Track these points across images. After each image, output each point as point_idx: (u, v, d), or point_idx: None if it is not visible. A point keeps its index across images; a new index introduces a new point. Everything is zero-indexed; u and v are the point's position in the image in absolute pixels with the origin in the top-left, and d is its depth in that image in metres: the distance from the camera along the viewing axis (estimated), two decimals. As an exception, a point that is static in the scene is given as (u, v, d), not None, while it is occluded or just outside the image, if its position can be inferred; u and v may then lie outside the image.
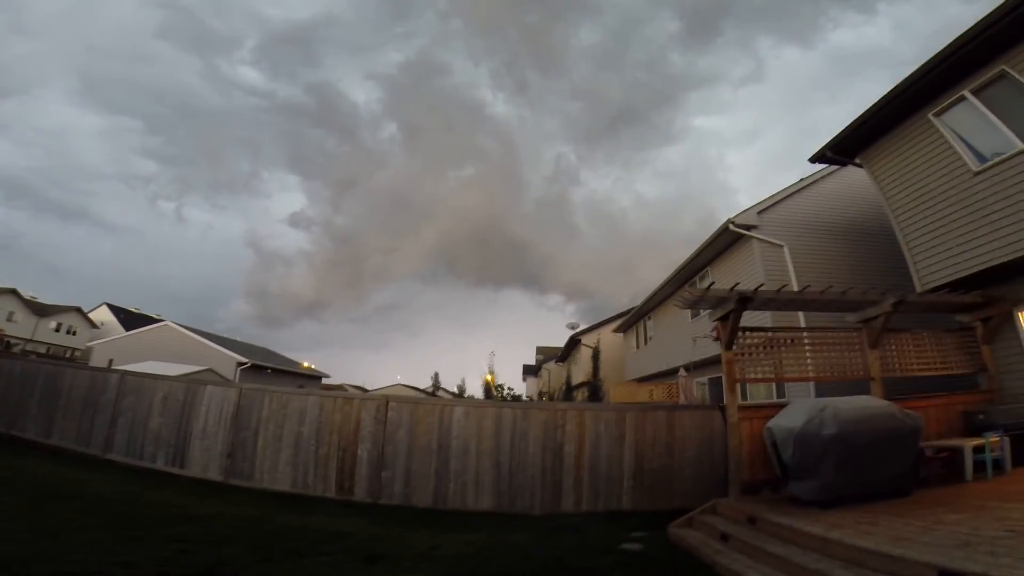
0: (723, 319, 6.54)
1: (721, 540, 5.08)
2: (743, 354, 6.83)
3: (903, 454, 5.22)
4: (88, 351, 25.45)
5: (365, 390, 48.79)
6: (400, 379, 56.37)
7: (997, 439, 6.00)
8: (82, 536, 4.72)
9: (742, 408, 6.55)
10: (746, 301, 6.32)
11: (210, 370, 19.85)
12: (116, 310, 45.72)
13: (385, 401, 8.36)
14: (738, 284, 6.39)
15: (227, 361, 22.33)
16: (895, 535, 3.72)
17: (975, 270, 7.08)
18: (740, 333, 6.76)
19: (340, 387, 38.49)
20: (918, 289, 7.95)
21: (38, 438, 9.55)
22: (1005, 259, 6.64)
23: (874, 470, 5.11)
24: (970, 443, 5.91)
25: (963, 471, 5.78)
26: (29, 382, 10.11)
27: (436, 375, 37.88)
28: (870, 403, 5.48)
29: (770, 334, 7.10)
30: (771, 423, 5.80)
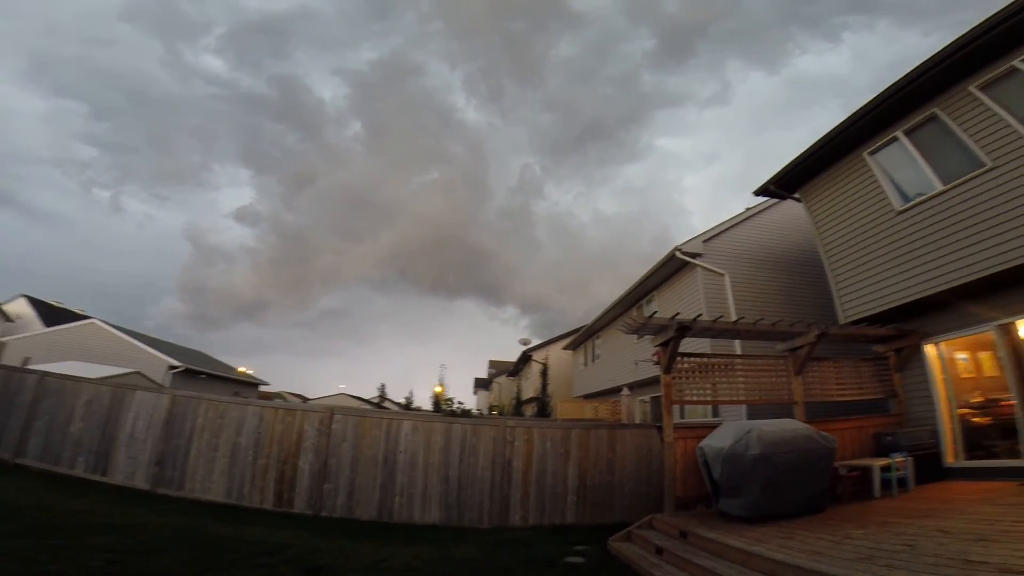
0: (663, 345, 6.88)
1: (656, 554, 5.30)
2: (681, 377, 7.18)
3: (819, 473, 5.64)
4: (0, 347, 23.32)
5: (305, 398, 46.93)
6: (343, 388, 54.53)
7: (902, 459, 6.57)
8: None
9: (677, 428, 6.87)
10: (685, 330, 6.67)
11: (138, 373, 18.61)
12: (36, 303, 41.95)
13: (330, 413, 8.23)
14: (678, 314, 6.74)
15: (158, 364, 20.98)
16: (809, 549, 4.03)
17: (891, 306, 7.77)
18: (679, 358, 7.11)
19: (278, 395, 36.95)
20: (840, 321, 8.62)
21: (-64, 439, 8.75)
22: (918, 297, 7.33)
23: (794, 488, 5.49)
24: (878, 463, 6.45)
25: (872, 489, 6.29)
26: (-71, 380, 9.25)
27: (383, 386, 37.07)
28: (791, 426, 5.90)
29: (706, 359, 7.50)
30: (703, 443, 6.13)
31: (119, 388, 8.92)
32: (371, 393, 43.14)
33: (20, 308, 41.24)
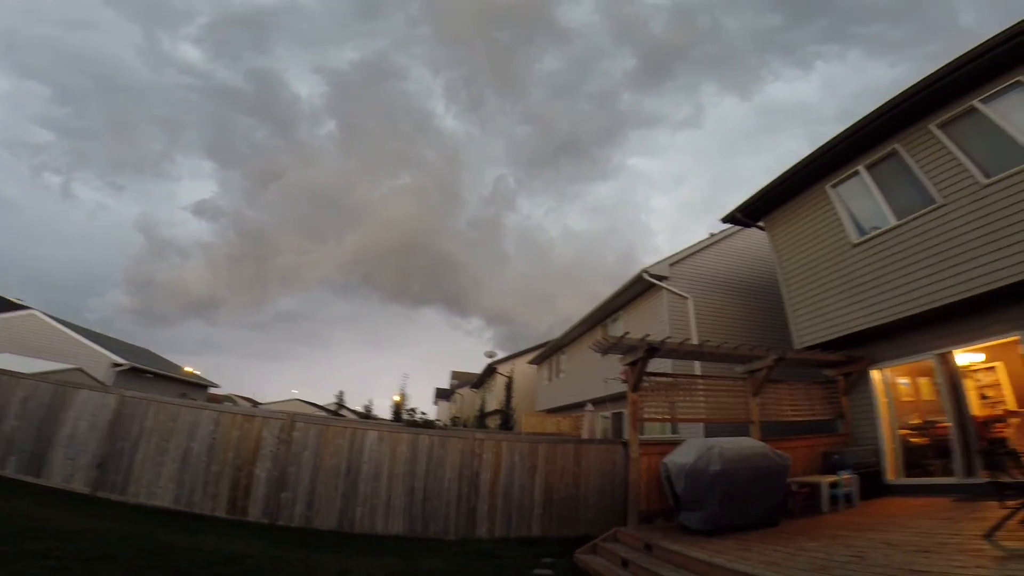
0: (632, 364, 7.13)
1: (622, 566, 5.44)
2: (646, 396, 7.44)
3: (774, 489, 5.96)
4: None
5: (256, 403, 45.14)
6: (297, 393, 52.70)
7: (848, 476, 7.00)
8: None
9: (642, 444, 7.11)
10: (654, 350, 6.95)
11: (79, 370, 17.56)
12: (-37, 292, 39.10)
13: (291, 420, 8.03)
14: (648, 336, 6.99)
15: (100, 361, 19.80)
16: (767, 560, 4.25)
17: (842, 334, 8.28)
18: (644, 377, 7.36)
19: (228, 398, 35.42)
20: (795, 345, 9.11)
21: None
22: (867, 327, 7.84)
23: (751, 503, 5.76)
24: (827, 480, 6.84)
25: (821, 504, 6.66)
26: None
27: (340, 393, 36.11)
28: (748, 444, 6.23)
29: (671, 379, 7.80)
30: (667, 459, 6.36)
31: (61, 386, 8.42)
32: (327, 399, 41.93)
33: (-53, 296, 38.32)
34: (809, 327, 8.93)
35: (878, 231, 7.83)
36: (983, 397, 8.28)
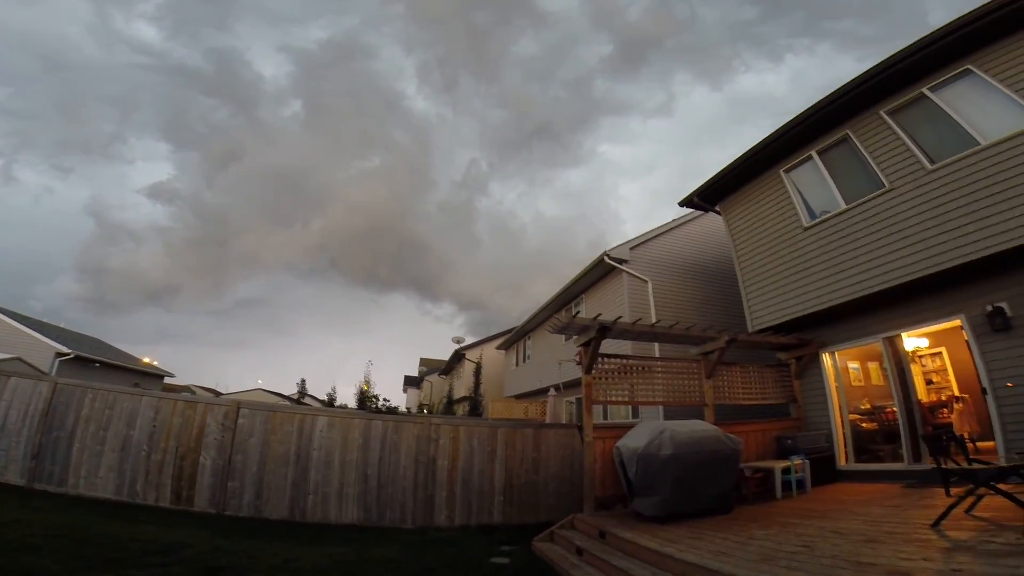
0: (585, 345, 7.01)
1: (577, 554, 5.36)
2: (602, 378, 7.35)
3: (726, 474, 5.94)
4: None
5: (218, 393, 43.81)
6: (261, 383, 51.48)
7: (800, 462, 7.08)
8: None
9: (597, 428, 7.03)
10: (605, 330, 6.83)
11: (18, 359, 16.57)
12: None
13: (236, 407, 7.79)
14: (600, 315, 6.89)
15: (44, 350, 18.72)
16: (717, 549, 4.20)
17: (794, 316, 8.39)
18: (600, 359, 7.27)
19: (187, 388, 34.24)
20: (749, 328, 9.20)
21: None
22: (817, 309, 7.95)
23: (703, 488, 5.75)
24: (779, 465, 6.90)
25: (775, 490, 6.73)
26: None
27: (303, 381, 35.38)
28: (700, 427, 6.19)
29: (625, 361, 7.72)
30: (619, 443, 6.29)
31: (-11, 375, 7.90)
32: (292, 389, 41.05)
33: None
34: (762, 310, 9.02)
35: (828, 215, 7.93)
36: (928, 383, 8.57)
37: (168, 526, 6.11)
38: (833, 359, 8.41)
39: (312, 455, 7.50)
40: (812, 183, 8.40)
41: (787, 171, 8.78)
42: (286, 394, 40.36)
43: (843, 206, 7.67)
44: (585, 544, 5.38)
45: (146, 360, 28.42)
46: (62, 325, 25.02)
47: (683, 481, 5.57)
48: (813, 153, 8.27)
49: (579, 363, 7.46)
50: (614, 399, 7.57)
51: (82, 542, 4.89)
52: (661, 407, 9.77)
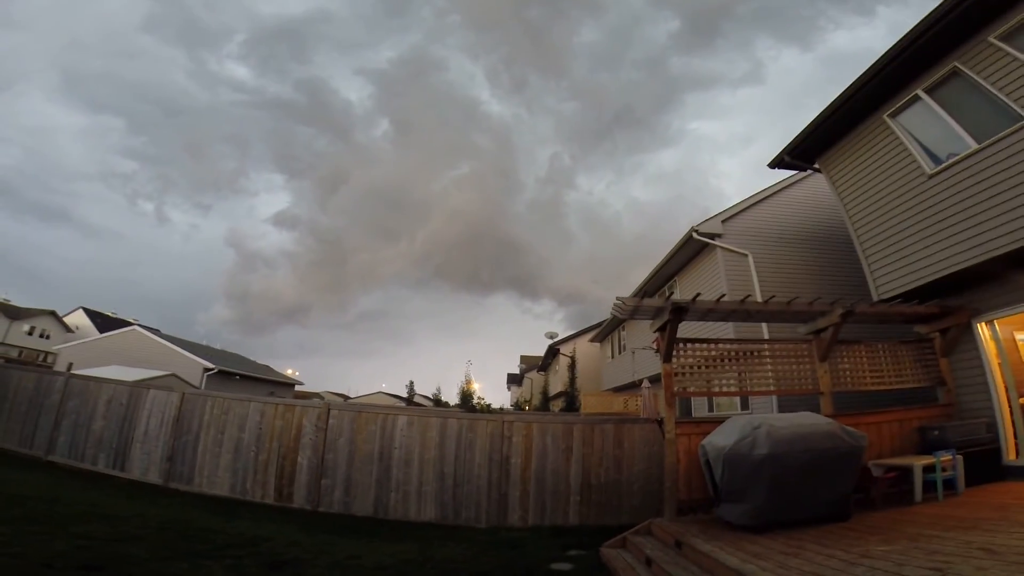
0: (661, 329, 6.19)
1: (646, 564, 4.72)
2: (688, 368, 6.50)
3: (843, 476, 4.85)
4: (54, 356, 24.72)
5: (347, 398, 48.08)
6: (384, 387, 55.73)
7: (949, 458, 5.64)
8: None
9: (680, 423, 6.17)
10: (682, 311, 5.97)
11: (174, 375, 19.24)
12: (92, 314, 44.79)
13: (326, 408, 8.22)
14: (672, 294, 6.05)
15: (193, 367, 21.70)
16: (812, 571, 3.35)
17: (931, 279, 6.80)
18: (682, 345, 6.42)
19: (316, 395, 37.80)
20: (874, 299, 7.65)
21: (-19, 439, 9.33)
22: (962, 266, 6.35)
23: (811, 492, 4.74)
24: (920, 462, 5.55)
25: (912, 491, 5.42)
26: (-24, 384, 9.83)
27: (411, 383, 37.64)
28: (808, 420, 5.11)
29: (711, 345, 6.74)
30: (705, 440, 5.42)
31: (135, 388, 9.19)
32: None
33: (78, 319, 44.02)
34: (888, 275, 7.45)
35: (957, 157, 6.41)
36: None
37: (263, 521, 6.53)
38: (992, 329, 6.65)
39: (393, 454, 7.64)
40: (928, 125, 7.05)
41: (892, 115, 7.46)
42: (403, 396, 43.03)
43: (974, 146, 6.22)
44: (657, 554, 4.68)
45: (290, 372, 31.87)
46: (217, 347, 28.94)
47: (782, 485, 4.63)
48: (919, 92, 6.97)
49: (656, 351, 6.68)
50: (699, 390, 6.69)
51: (180, 535, 5.35)
52: (774, 398, 8.52)
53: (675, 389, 6.25)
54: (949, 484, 5.56)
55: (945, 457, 5.62)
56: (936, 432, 6.26)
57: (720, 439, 5.19)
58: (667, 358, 6.20)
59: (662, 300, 6.06)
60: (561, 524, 7.10)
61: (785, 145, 8.76)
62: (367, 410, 8.26)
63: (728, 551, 3.99)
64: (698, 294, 6.10)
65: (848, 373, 6.93)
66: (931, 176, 6.75)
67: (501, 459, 7.43)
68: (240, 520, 6.43)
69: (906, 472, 5.59)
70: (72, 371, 12.64)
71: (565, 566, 5.15)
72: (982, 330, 6.69)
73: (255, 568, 4.51)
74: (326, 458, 7.73)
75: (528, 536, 6.54)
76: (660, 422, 6.74)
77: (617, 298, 5.90)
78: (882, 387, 7.01)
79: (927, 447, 6.17)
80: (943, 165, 6.64)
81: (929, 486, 5.47)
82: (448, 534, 6.59)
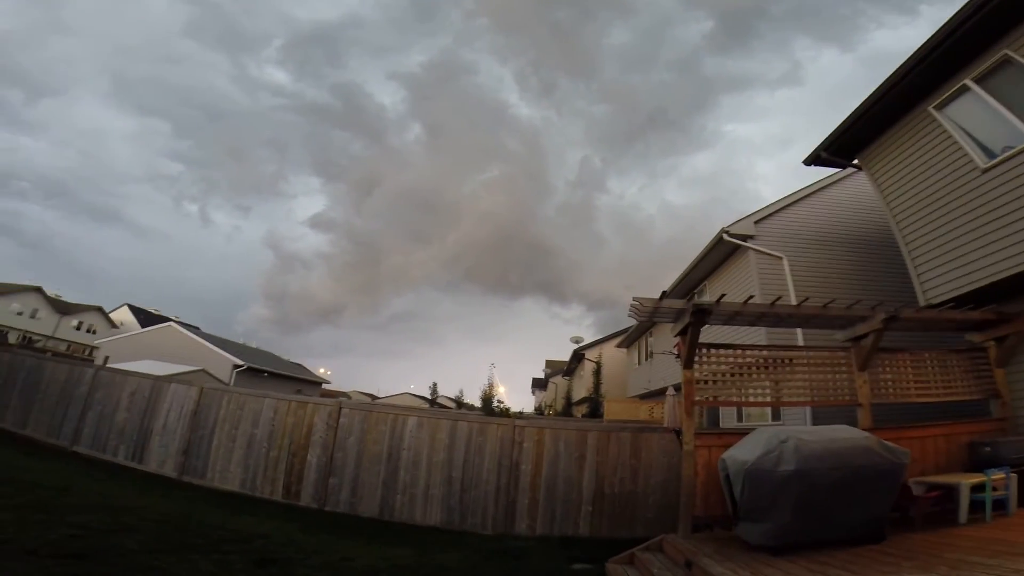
0: (682, 333, 5.81)
1: (653, 586, 4.35)
2: (711, 375, 6.10)
3: (879, 495, 4.39)
4: (94, 350, 25.81)
5: (375, 398, 48.63)
6: (413, 388, 56.21)
7: (1002, 476, 5.07)
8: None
9: (700, 434, 5.77)
10: (705, 314, 5.57)
11: (203, 371, 19.76)
12: (136, 311, 46.83)
13: (338, 406, 8.16)
14: (693, 296, 5.68)
15: (223, 363, 22.26)
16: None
17: (986, 282, 6.20)
18: (706, 350, 6.03)
19: (344, 394, 38.33)
20: (920, 303, 7.06)
21: (14, 428, 9.68)
22: (1020, 270, 5.76)
23: (842, 512, 4.30)
24: (967, 480, 5.01)
25: (958, 512, 4.89)
26: (13, 374, 10.24)
27: (434, 385, 37.73)
28: (843, 434, 4.65)
29: (739, 352, 6.31)
30: (726, 453, 5.01)
31: (158, 381, 9.34)
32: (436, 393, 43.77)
33: (123, 315, 46.08)
34: (937, 279, 6.85)
35: (1015, 150, 5.81)
36: None
37: (266, 518, 6.46)
38: (1055, 338, 6.02)
39: (402, 455, 7.50)
40: (977, 116, 6.51)
41: (938, 108, 6.92)
42: (429, 397, 43.20)
43: (1033, 137, 5.60)
44: (663, 574, 4.31)
45: (322, 371, 32.48)
46: (253, 345, 29.68)
47: (810, 504, 4.22)
48: (968, 82, 6.43)
49: (677, 356, 6.30)
50: (722, 399, 6.25)
51: (176, 528, 5.31)
52: (808, 408, 8.00)
53: (696, 397, 5.86)
54: (1000, 504, 5.01)
55: (997, 475, 5.05)
56: (988, 448, 5.67)
57: (742, 453, 4.78)
58: (688, 364, 5.82)
59: (683, 301, 5.69)
60: (571, 535, 6.81)
61: (821, 141, 8.23)
62: (378, 409, 8.16)
63: (744, 575, 3.61)
64: (723, 295, 5.71)
65: (890, 383, 6.39)
66: (985, 171, 6.18)
67: (511, 464, 7.19)
68: (243, 516, 6.39)
69: (951, 491, 5.06)
70: (106, 364, 13.05)
71: (566, 582, 4.85)
72: (1044, 339, 6.06)
73: (241, 564, 4.42)
74: (335, 457, 7.67)
75: (535, 546, 6.28)
76: (678, 432, 6.35)
77: (634, 298, 5.55)
78: (928, 399, 6.43)
79: (977, 464, 5.57)
80: (999, 158, 6.05)
81: (976, 506, 4.93)
82: (451, 540, 6.40)
